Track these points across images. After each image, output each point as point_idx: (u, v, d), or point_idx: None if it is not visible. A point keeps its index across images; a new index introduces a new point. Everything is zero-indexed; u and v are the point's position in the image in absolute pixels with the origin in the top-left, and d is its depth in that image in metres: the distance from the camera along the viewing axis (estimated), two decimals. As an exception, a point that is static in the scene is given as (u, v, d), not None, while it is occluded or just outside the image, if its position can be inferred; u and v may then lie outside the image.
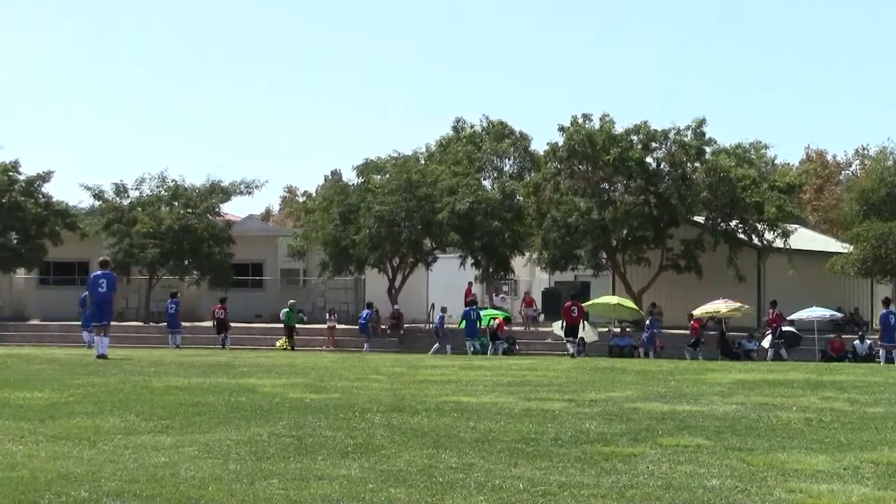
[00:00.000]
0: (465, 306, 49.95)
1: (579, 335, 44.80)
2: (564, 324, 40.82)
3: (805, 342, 45.66)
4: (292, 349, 45.26)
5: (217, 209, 60.24)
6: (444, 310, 48.51)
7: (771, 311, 45.06)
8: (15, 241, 57.97)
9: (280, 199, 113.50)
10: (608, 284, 56.22)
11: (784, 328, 45.34)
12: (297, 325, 49.02)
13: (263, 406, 15.14)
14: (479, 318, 44.08)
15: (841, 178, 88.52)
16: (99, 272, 29.43)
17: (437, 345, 45.89)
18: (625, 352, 44.36)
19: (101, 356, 27.14)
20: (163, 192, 59.65)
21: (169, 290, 57.98)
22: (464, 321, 43.86)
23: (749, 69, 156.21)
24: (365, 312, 50.90)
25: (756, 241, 51.59)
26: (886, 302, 38.44)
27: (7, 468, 9.83)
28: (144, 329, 53.49)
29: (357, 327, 50.84)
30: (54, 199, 60.03)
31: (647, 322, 46.67)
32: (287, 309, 48.29)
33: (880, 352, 37.58)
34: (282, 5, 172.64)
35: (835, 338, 46.15)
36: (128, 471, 9.69)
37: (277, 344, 46.98)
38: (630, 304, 48.05)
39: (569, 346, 39.71)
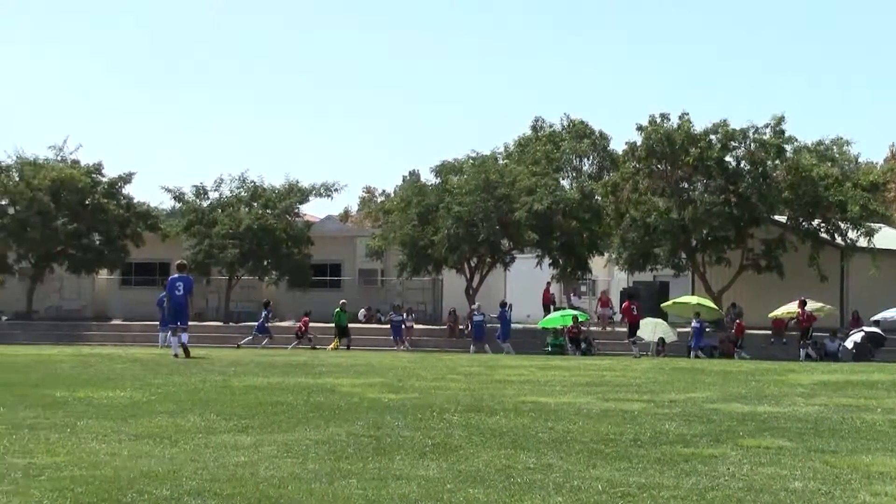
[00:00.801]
0: (543, 305, 50.06)
1: (657, 335, 44.68)
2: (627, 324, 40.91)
3: (890, 343, 44.97)
4: (348, 348, 45.02)
5: (296, 210, 60.47)
6: (477, 308, 48.35)
7: (800, 310, 44.11)
8: (98, 243, 58.62)
9: (358, 200, 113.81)
10: (687, 284, 55.81)
11: (867, 329, 44.69)
12: (349, 325, 48.61)
13: (342, 406, 15.19)
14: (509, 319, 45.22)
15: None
16: (176, 275, 30.18)
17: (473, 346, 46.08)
18: (704, 352, 43.96)
19: (177, 356, 27.80)
20: (242, 192, 60.01)
21: (248, 290, 58.58)
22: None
23: (831, 65, 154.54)
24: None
25: (839, 240, 50.94)
26: None
27: (90, 467, 9.94)
28: (224, 329, 53.84)
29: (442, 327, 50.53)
30: (136, 201, 60.62)
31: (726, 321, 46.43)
32: (338, 309, 48.17)
33: None
34: (359, 6, 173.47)
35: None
36: (208, 470, 9.77)
37: (330, 347, 46.72)
38: (710, 304, 47.63)
39: (633, 347, 39.68)
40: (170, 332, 30.34)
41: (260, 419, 13.47)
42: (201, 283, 58.81)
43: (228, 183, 60.32)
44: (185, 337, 28.98)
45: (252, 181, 60.37)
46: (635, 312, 39.98)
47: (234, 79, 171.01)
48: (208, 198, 60.12)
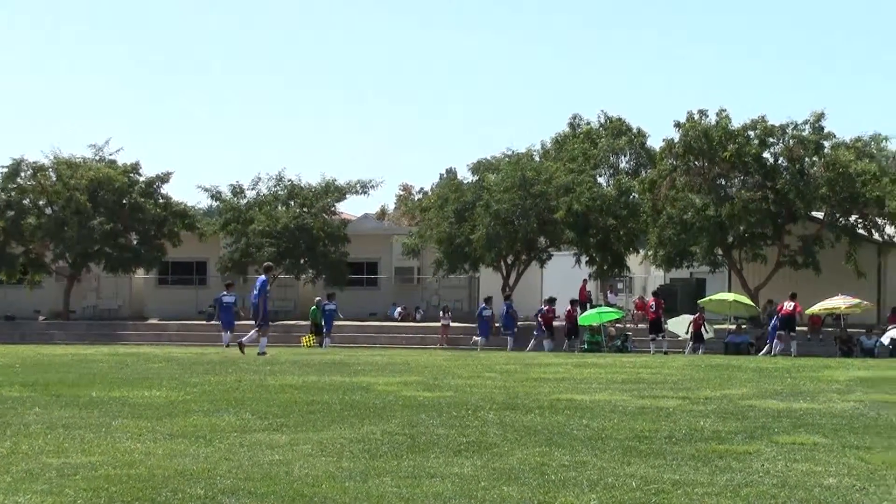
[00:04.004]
0: (580, 303, 49.93)
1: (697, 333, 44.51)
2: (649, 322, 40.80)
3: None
4: (321, 346, 44.80)
5: (332, 208, 60.64)
6: (487, 301, 48.28)
7: (791, 302, 43.19)
8: (135, 242, 58.96)
9: (395, 198, 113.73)
10: (724, 281, 55.63)
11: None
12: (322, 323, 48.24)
13: (377, 404, 15.23)
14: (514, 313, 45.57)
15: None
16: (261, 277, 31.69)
17: (482, 339, 46.04)
18: (741, 349, 43.79)
19: (261, 354, 28.75)
20: (279, 191, 60.26)
21: (286, 288, 58.70)
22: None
23: (869, 61, 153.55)
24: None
25: (876, 236, 50.67)
26: None
27: (125, 466, 10.01)
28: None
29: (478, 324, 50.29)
30: (173, 200, 60.93)
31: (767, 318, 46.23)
32: (314, 307, 47.98)
33: None
34: (397, 4, 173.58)
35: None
36: (243, 468, 9.82)
37: (302, 341, 46.64)
38: (746, 300, 47.43)
39: (651, 343, 39.56)
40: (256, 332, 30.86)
41: (295, 418, 13.53)
42: (238, 282, 59.04)
43: (265, 181, 60.71)
44: (263, 342, 30.07)
45: (289, 180, 60.71)
46: (654, 310, 39.90)
47: (271, 77, 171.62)
48: (245, 196, 60.48)
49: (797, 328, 42.67)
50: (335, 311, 46.63)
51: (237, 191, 60.41)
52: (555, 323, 45.63)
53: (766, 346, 42.44)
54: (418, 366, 24.96)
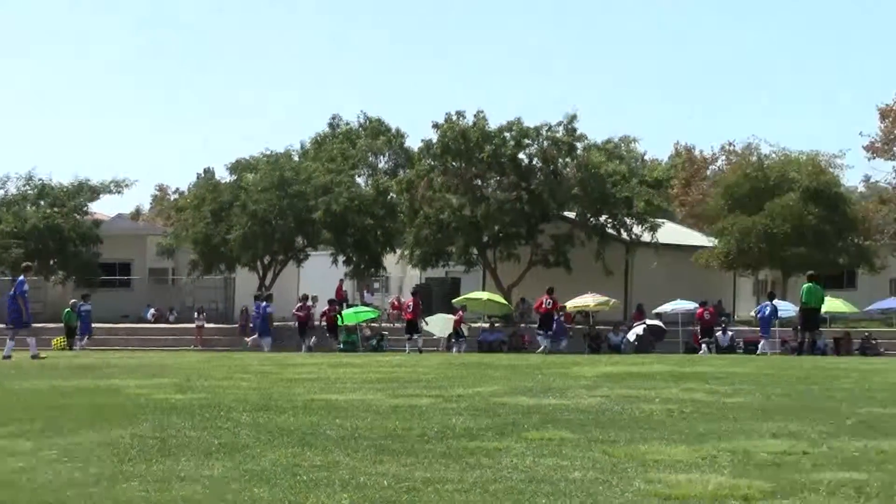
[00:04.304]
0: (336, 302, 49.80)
1: (447, 330, 45.03)
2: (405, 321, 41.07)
3: (670, 334, 46.32)
4: (71, 349, 44.02)
5: (85, 208, 59.41)
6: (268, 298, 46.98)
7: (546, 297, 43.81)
8: None
9: (150, 198, 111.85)
10: (479, 280, 56.50)
11: (649, 321, 45.95)
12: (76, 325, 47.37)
13: (127, 407, 14.93)
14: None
15: (708, 173, 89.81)
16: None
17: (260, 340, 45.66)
18: (493, 346, 44.53)
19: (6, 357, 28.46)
20: (29, 191, 58.72)
21: (35, 290, 56.98)
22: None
23: (620, 66, 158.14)
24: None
25: (625, 235, 52.22)
26: (770, 296, 39.83)
27: None
28: (4, 332, 52.29)
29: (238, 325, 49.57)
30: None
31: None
32: (68, 309, 47.09)
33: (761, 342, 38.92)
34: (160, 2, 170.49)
35: (698, 330, 46.81)
36: (-18, 477, 9.49)
37: (53, 343, 45.76)
38: (500, 299, 48.30)
39: (407, 343, 39.82)
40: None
41: (40, 423, 13.13)
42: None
43: (14, 181, 59.06)
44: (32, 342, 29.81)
45: (40, 179, 59.18)
46: (411, 309, 40.24)
47: (18, 74, 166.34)
48: (-8, 196, 58.77)
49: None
50: (90, 311, 45.56)
51: (-16, 190, 58.70)
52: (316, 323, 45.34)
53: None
54: (171, 368, 24.56)
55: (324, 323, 44.46)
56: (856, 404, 14.96)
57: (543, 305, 40.95)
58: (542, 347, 39.89)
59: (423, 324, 44.74)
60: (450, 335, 44.91)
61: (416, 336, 40.37)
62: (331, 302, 45.95)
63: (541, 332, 41.02)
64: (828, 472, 9.43)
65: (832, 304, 43.79)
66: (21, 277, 30.94)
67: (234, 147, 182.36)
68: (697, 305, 49.91)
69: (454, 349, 42.96)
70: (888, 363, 27.91)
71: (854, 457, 10.35)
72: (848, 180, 75.54)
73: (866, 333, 46.30)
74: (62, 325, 46.99)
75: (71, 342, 45.10)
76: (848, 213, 55.12)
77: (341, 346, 44.18)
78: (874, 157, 60.50)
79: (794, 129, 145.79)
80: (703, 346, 42.44)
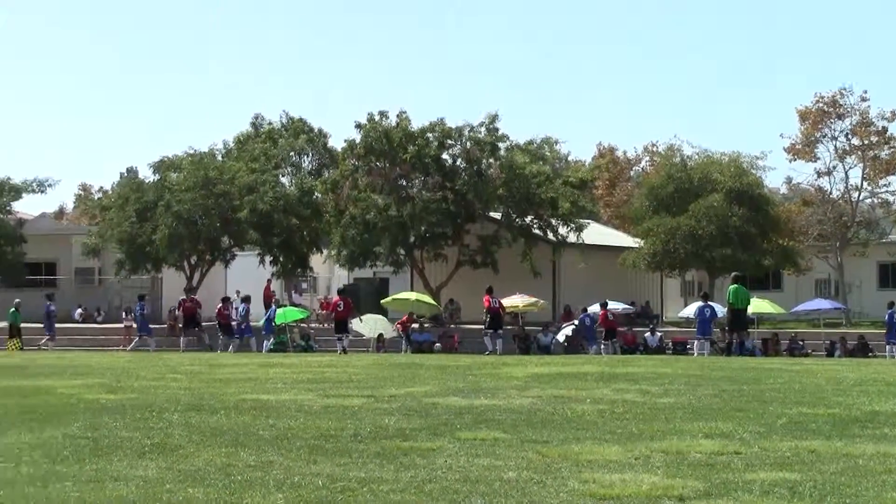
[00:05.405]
0: (264, 303, 49.56)
1: (377, 331, 44.98)
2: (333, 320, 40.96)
3: (600, 335, 46.52)
4: (21, 349, 43.60)
5: (8, 207, 58.78)
6: (247, 300, 46.64)
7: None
8: None
9: (74, 197, 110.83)
10: (407, 280, 56.51)
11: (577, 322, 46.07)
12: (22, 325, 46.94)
13: (58, 407, 14.86)
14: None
15: (631, 174, 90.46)
16: None
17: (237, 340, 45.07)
18: (423, 347, 44.57)
19: None
20: (-51, 189, 58.05)
21: None
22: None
23: (541, 66, 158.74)
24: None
25: (551, 236, 52.45)
26: (705, 297, 40.01)
27: None
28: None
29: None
30: None
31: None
32: (13, 309, 46.59)
33: (695, 343, 38.89)
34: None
35: (627, 331, 47.17)
36: (-90, 479, 9.41)
37: (8, 346, 45.22)
38: (428, 299, 48.33)
39: (337, 343, 39.66)
40: None
41: (-30, 424, 13.05)
42: None
43: (-66, 179, 58.30)
44: None
45: (-39, 177, 58.46)
46: (341, 309, 40.09)
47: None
48: None
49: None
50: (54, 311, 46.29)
51: None
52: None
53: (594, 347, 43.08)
54: (100, 368, 24.42)
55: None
56: (786, 405, 15.17)
57: (492, 304, 40.63)
58: (492, 349, 39.42)
59: (358, 321, 44.59)
60: (380, 336, 44.89)
61: (344, 336, 40.18)
62: (223, 300, 45.38)
63: (490, 331, 40.40)
64: (761, 472, 9.58)
65: (760, 304, 44.27)
66: None
67: (155, 147, 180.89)
68: (626, 306, 50.40)
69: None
70: (816, 364, 28.28)
71: (786, 457, 10.52)
72: (770, 182, 76.38)
73: (793, 334, 46.86)
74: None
75: (21, 343, 44.77)
76: (771, 214, 55.78)
77: (271, 346, 43.72)
78: (795, 159, 61.23)
79: (715, 130, 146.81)
80: (604, 347, 42.29)
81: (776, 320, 51.79)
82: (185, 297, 45.41)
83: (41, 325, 46.71)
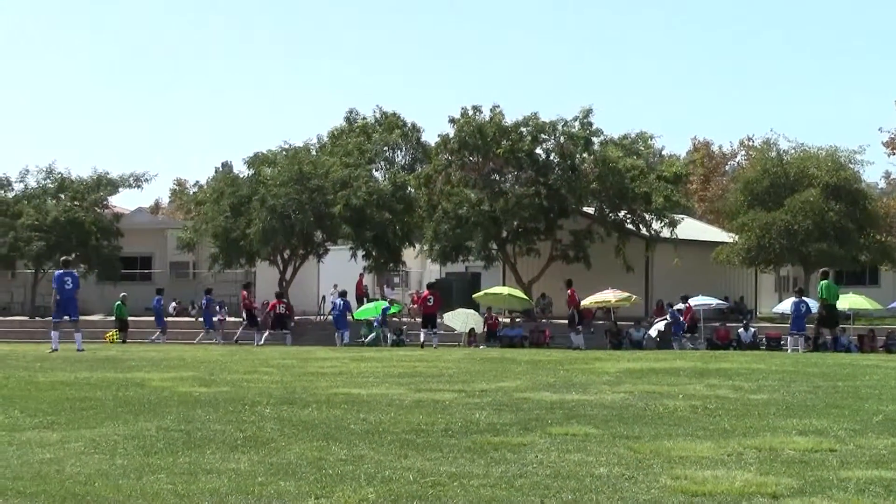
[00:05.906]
0: (356, 297, 49.86)
1: (468, 325, 44.97)
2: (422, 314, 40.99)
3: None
4: (124, 342, 44.11)
5: (105, 202, 59.62)
6: (343, 294, 47.01)
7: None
8: None
9: (170, 192, 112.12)
10: (499, 275, 56.47)
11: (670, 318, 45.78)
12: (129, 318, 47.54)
13: (152, 400, 15.01)
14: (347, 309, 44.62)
15: (727, 168, 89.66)
16: (61, 271, 31.09)
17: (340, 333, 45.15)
18: (515, 342, 44.47)
19: (79, 350, 28.73)
20: (49, 184, 58.88)
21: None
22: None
23: (637, 61, 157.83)
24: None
25: (644, 231, 52.08)
26: (799, 292, 39.78)
27: None
28: (30, 324, 52.56)
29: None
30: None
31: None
32: (119, 302, 47.13)
33: (789, 339, 38.61)
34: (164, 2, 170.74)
35: (720, 326, 46.74)
36: (11, 468, 9.54)
37: (106, 336, 45.86)
38: (520, 294, 48.23)
39: (421, 333, 39.74)
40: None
41: (67, 415, 13.21)
42: (6, 278, 57.42)
43: (34, 174, 59.27)
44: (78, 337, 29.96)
45: (59, 173, 59.33)
46: (430, 303, 40.09)
47: (39, 67, 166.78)
48: (13, 189, 58.93)
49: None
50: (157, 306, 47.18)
51: (4, 183, 58.83)
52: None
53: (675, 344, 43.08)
54: (194, 361, 24.66)
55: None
56: (882, 401, 14.93)
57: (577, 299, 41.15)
58: (577, 343, 39.81)
59: (450, 315, 44.69)
60: (472, 331, 44.88)
61: (433, 330, 40.17)
62: (278, 295, 45.70)
63: (578, 327, 41.06)
64: (856, 470, 9.42)
65: (856, 300, 43.67)
66: (73, 271, 31.58)
67: (250, 142, 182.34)
68: (720, 301, 49.91)
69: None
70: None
71: (882, 454, 10.34)
72: (868, 176, 75.32)
73: (890, 330, 46.17)
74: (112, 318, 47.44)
75: (124, 336, 45.50)
76: (869, 209, 54.87)
77: (364, 340, 43.89)
78: (894, 154, 60.26)
79: (812, 124, 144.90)
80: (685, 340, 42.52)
81: (873, 316, 51.06)
82: (275, 298, 45.65)
83: (150, 319, 47.48)
